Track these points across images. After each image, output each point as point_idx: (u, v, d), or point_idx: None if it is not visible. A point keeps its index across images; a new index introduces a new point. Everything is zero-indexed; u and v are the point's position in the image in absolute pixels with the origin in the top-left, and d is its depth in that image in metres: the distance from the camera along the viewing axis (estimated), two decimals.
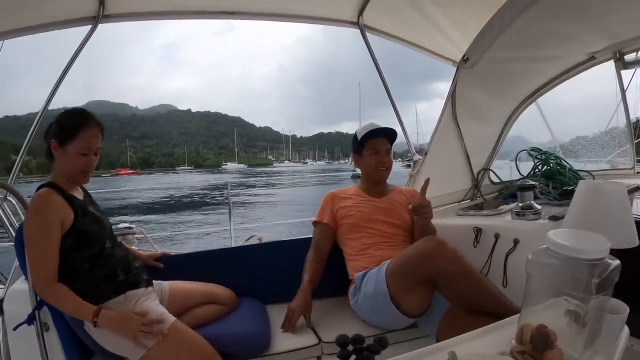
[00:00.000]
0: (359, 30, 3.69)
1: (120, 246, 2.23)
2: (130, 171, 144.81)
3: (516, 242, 2.43)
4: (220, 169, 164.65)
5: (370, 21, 3.67)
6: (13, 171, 3.12)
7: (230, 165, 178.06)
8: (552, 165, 3.37)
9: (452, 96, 3.18)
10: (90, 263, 1.98)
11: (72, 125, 2.01)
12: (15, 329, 2.02)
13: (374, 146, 2.73)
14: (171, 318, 2.02)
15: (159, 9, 3.33)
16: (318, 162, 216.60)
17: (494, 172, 3.69)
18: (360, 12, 3.57)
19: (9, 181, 3.02)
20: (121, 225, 2.80)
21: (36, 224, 1.89)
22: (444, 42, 3.79)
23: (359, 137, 2.77)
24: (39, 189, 1.99)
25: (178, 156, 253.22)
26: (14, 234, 2.51)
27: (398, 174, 3.77)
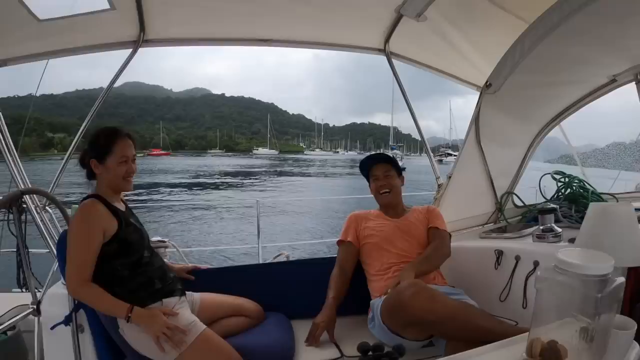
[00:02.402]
0: (385, 57, 3.81)
1: (157, 256, 2.40)
2: (162, 152, 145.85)
3: (536, 264, 2.51)
4: (251, 153, 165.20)
5: (396, 48, 3.78)
6: (68, 152, 3.40)
7: (262, 151, 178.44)
8: (574, 188, 3.40)
9: (476, 120, 3.27)
10: (129, 270, 2.16)
11: (105, 142, 2.22)
12: (52, 328, 2.19)
13: (372, 173, 2.94)
14: (202, 325, 2.18)
15: (196, 36, 3.55)
16: (349, 152, 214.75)
17: (517, 196, 3.74)
18: (387, 40, 3.68)
19: (63, 163, 3.37)
20: (154, 238, 2.95)
21: (79, 229, 2.08)
22: (467, 67, 3.88)
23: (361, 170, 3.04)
24: (83, 199, 2.19)
25: (210, 139, 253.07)
26: (50, 242, 2.71)
27: (427, 168, 3.89)
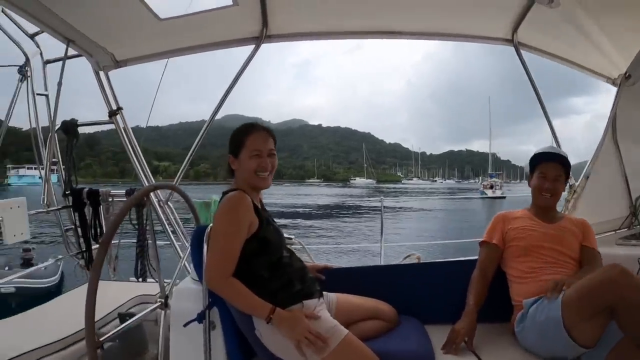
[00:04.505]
0: (513, 48, 3.67)
1: (295, 257, 2.35)
2: None
3: None
4: (348, 183, 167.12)
5: (525, 38, 3.63)
6: (178, 175, 3.83)
7: (359, 180, 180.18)
8: None
9: (614, 118, 3.15)
10: (269, 270, 2.11)
11: (239, 136, 2.23)
12: (185, 325, 2.14)
13: (542, 169, 2.70)
14: (343, 330, 2.08)
15: (319, 30, 3.57)
16: (447, 180, 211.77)
17: None
18: (514, 29, 3.54)
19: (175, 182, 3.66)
20: None
21: (228, 219, 2.07)
22: (599, 59, 3.65)
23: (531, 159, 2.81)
24: (224, 193, 2.20)
25: (308, 169, 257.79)
26: (171, 235, 2.72)
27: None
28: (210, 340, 2.19)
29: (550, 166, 2.68)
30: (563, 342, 2.08)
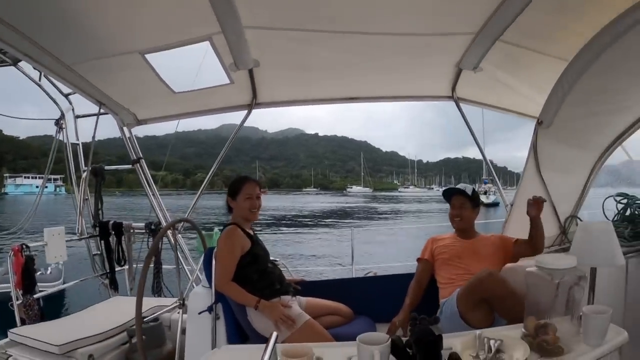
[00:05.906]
0: (454, 102, 4.53)
1: (277, 267, 3.34)
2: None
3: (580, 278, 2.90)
4: (345, 191, 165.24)
5: (462, 94, 4.49)
6: (200, 189, 4.89)
7: (355, 189, 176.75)
8: (633, 209, 3.66)
9: (534, 151, 3.69)
10: (258, 274, 3.09)
11: (237, 185, 3.24)
12: (200, 313, 2.99)
13: (452, 201, 3.51)
14: (307, 316, 3.00)
15: (294, 98, 4.50)
16: (444, 188, 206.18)
17: (579, 219, 3.94)
18: (453, 88, 4.39)
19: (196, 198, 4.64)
20: None
21: (226, 245, 3.03)
22: (526, 103, 4.40)
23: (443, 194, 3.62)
24: (224, 226, 3.21)
25: (305, 178, 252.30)
26: (180, 259, 3.56)
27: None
28: (216, 327, 3.04)
29: (456, 198, 3.48)
30: (462, 326, 2.82)
